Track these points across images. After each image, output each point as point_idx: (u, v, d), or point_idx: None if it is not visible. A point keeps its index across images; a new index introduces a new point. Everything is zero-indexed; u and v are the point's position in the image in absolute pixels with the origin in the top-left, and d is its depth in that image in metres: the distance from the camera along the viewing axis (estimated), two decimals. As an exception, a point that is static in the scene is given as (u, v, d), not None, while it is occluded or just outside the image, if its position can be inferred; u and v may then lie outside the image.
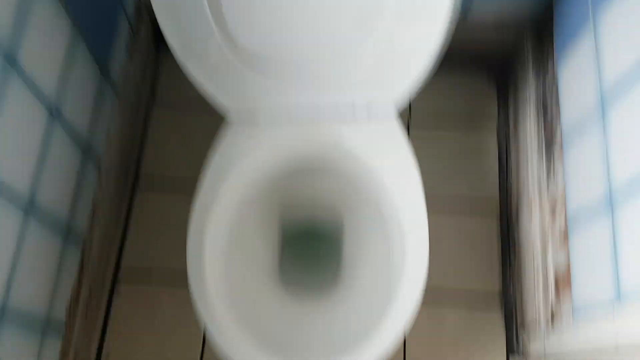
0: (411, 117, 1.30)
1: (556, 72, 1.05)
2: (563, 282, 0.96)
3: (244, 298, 0.89)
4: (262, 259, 1.03)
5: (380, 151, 0.87)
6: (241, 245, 0.95)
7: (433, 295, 1.18)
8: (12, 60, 0.72)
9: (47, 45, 0.82)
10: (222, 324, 0.77)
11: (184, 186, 1.23)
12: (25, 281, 0.82)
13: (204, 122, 1.29)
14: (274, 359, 0.78)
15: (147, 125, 1.30)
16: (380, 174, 0.86)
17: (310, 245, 1.22)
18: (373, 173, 0.87)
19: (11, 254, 0.78)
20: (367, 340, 0.80)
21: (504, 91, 1.34)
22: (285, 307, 1.01)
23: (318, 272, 1.15)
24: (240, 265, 0.94)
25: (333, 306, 1.03)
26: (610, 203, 0.80)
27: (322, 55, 0.83)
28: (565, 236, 0.96)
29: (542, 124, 1.11)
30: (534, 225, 1.07)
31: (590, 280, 0.86)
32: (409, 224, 0.84)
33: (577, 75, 0.96)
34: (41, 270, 0.88)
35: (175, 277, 1.18)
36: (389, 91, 0.87)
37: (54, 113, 0.86)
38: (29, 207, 0.81)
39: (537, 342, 1.02)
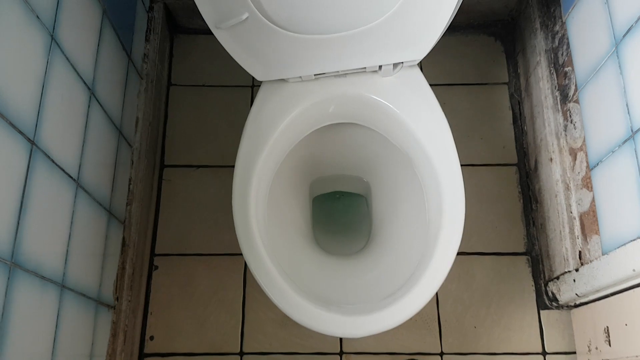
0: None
1: (565, 21, 1.08)
2: (589, 221, 1.00)
3: (286, 258, 0.92)
4: (297, 222, 1.06)
5: (406, 99, 0.90)
6: (277, 208, 0.98)
7: (461, 254, 1.20)
8: (54, 37, 0.75)
9: (81, 27, 0.84)
10: (273, 279, 0.80)
11: (207, 159, 1.28)
12: (78, 259, 0.86)
13: (219, 97, 1.33)
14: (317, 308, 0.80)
15: (167, 103, 1.32)
16: (408, 122, 0.88)
17: (339, 209, 1.25)
18: (401, 122, 0.89)
19: (67, 233, 0.81)
20: (404, 296, 0.79)
21: (511, 45, 1.37)
22: (322, 267, 1.04)
23: (349, 233, 1.19)
24: (278, 228, 0.97)
25: (367, 265, 1.06)
26: (632, 137, 0.84)
27: (349, 25, 0.85)
28: (588, 179, 1.00)
29: (555, 72, 1.14)
30: (555, 173, 1.10)
31: (617, 214, 0.90)
32: (444, 177, 0.85)
33: (587, 19, 0.99)
34: (91, 249, 0.91)
35: (207, 246, 1.21)
36: (412, 52, 0.89)
37: (92, 91, 0.88)
38: (78, 184, 0.84)
39: (567, 291, 1.04)
